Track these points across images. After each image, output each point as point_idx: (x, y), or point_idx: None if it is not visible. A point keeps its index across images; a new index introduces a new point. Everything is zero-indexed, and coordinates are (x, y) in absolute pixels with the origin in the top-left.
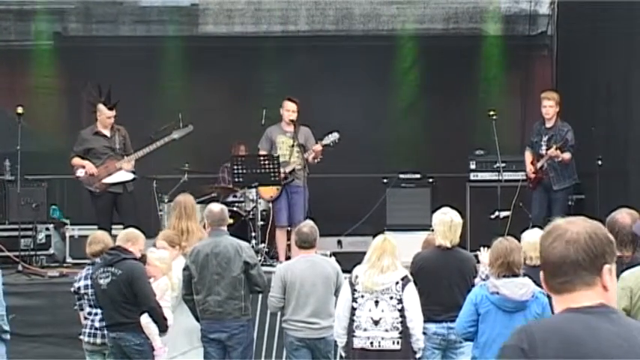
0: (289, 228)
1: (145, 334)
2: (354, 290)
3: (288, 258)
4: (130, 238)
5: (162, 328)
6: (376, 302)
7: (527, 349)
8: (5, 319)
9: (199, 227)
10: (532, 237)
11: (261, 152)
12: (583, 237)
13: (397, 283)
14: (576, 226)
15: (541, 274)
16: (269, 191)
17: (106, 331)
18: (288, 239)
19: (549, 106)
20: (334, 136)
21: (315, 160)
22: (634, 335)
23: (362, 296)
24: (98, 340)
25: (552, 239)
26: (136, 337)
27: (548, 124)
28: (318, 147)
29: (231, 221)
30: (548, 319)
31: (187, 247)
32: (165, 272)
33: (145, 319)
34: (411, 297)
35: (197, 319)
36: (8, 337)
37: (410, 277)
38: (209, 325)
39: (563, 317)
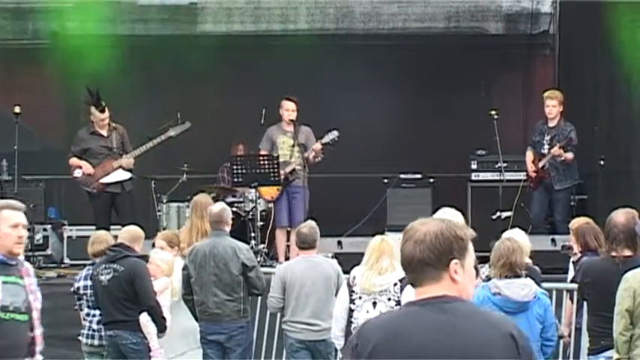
0: (289, 228)
1: (143, 333)
2: (351, 292)
3: (288, 259)
4: (134, 236)
5: (161, 328)
6: (374, 303)
7: (356, 342)
8: None
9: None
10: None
11: (262, 152)
12: (429, 237)
13: (395, 284)
14: (426, 227)
15: None
16: (270, 191)
17: (103, 331)
18: (288, 240)
19: (552, 106)
20: (333, 135)
21: (316, 160)
22: (462, 321)
23: (360, 297)
24: (96, 342)
25: (405, 240)
26: (133, 336)
27: (551, 124)
28: (318, 146)
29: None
30: (384, 315)
31: None
32: (166, 274)
33: (144, 318)
34: (410, 298)
35: (196, 319)
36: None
37: None
38: (208, 327)
39: (397, 311)
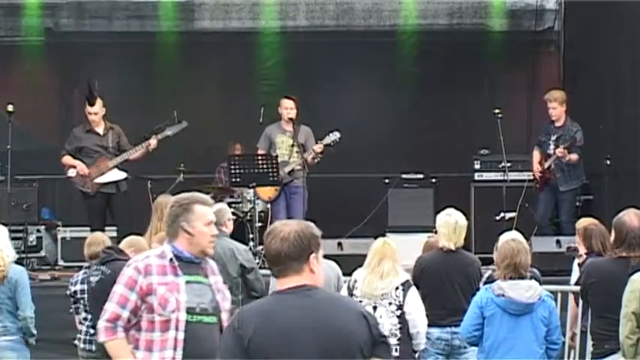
0: None
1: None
2: (351, 295)
3: None
4: (133, 244)
5: None
6: (374, 308)
7: (237, 326)
8: (34, 322)
9: None
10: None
11: (260, 152)
12: (293, 235)
13: (397, 288)
14: (288, 227)
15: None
16: (268, 192)
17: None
18: None
19: (553, 108)
20: (335, 136)
21: (315, 160)
22: (324, 306)
23: (360, 301)
24: (93, 347)
25: (271, 238)
26: None
27: (558, 124)
28: (319, 147)
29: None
30: (258, 301)
31: None
32: None
33: None
34: (415, 302)
35: None
36: (34, 341)
37: (411, 281)
38: None
39: (268, 298)
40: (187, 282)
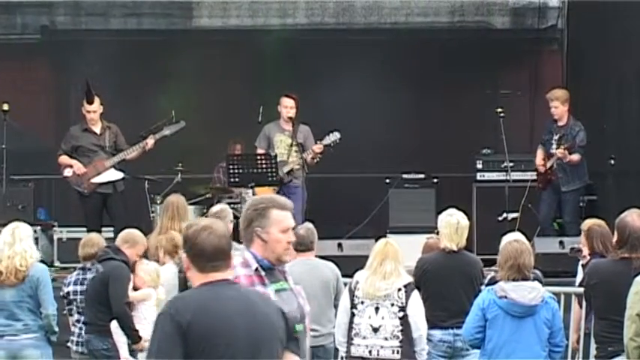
0: None
1: (114, 339)
2: (353, 296)
3: None
4: (127, 239)
5: (132, 339)
6: (376, 309)
7: (174, 313)
8: (56, 319)
9: None
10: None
11: (258, 150)
12: (225, 232)
13: (400, 289)
14: (218, 224)
15: (184, 256)
16: (265, 192)
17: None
18: None
19: (555, 107)
20: (335, 136)
21: (314, 161)
22: (250, 297)
23: (362, 302)
24: (86, 350)
25: (208, 233)
26: (103, 342)
27: (560, 123)
28: (318, 147)
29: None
30: (190, 291)
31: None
32: (150, 285)
33: (114, 325)
34: (416, 306)
35: None
36: (55, 338)
37: (414, 284)
38: None
39: (200, 289)
40: (276, 290)
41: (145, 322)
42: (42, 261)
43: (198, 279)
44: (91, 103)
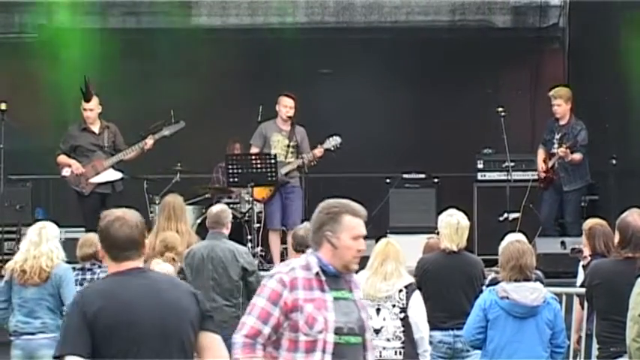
0: (285, 230)
1: None
2: None
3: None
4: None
5: None
6: (377, 310)
7: (81, 303)
8: None
9: (189, 229)
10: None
11: (254, 149)
12: (138, 223)
13: (401, 290)
14: (130, 214)
15: (99, 245)
16: (261, 192)
17: None
18: (283, 242)
19: (557, 105)
20: (336, 140)
21: (312, 164)
22: (159, 282)
23: None
24: None
25: (120, 224)
26: None
27: (562, 122)
28: (319, 152)
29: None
30: (98, 282)
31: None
32: None
33: None
34: (418, 307)
35: None
36: None
37: (415, 285)
38: None
39: (108, 279)
40: (335, 298)
41: None
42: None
43: (111, 268)
44: (88, 101)
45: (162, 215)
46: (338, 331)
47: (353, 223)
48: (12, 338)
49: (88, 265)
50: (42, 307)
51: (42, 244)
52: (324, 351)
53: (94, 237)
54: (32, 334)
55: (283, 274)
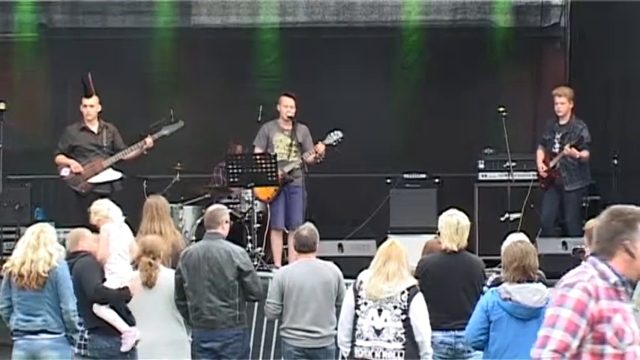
0: (287, 230)
1: (118, 337)
2: (357, 297)
3: (286, 262)
4: (72, 239)
5: (123, 297)
6: (379, 311)
7: None
8: (77, 316)
9: (173, 230)
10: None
11: (257, 150)
12: None
13: (403, 292)
14: None
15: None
16: (266, 192)
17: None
18: (285, 243)
19: (561, 103)
20: (337, 135)
21: (317, 161)
22: None
23: (365, 303)
24: (89, 353)
25: None
26: (107, 341)
27: (562, 121)
28: (321, 147)
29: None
30: None
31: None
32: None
33: (97, 308)
34: (420, 309)
35: (190, 325)
36: (77, 337)
37: (418, 287)
38: (202, 334)
39: None
40: (634, 310)
41: (118, 267)
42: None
43: None
44: (89, 96)
45: (145, 217)
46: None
47: None
48: (14, 338)
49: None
50: (42, 304)
51: (40, 248)
52: None
53: (79, 232)
54: (34, 332)
55: (585, 282)
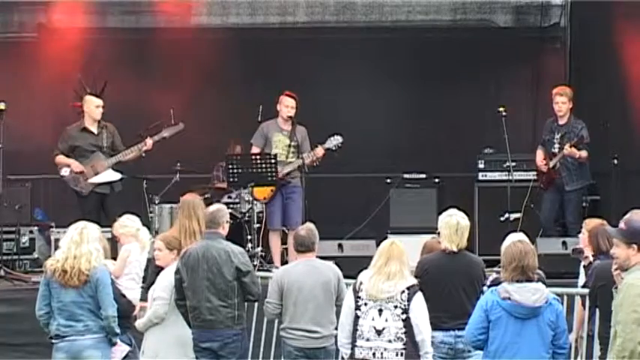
0: (286, 230)
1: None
2: (357, 297)
3: (285, 263)
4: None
5: (128, 312)
6: (380, 311)
7: None
8: (116, 320)
9: (202, 230)
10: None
11: (254, 148)
12: None
13: (403, 292)
14: None
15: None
16: (263, 192)
17: None
18: (284, 243)
19: (562, 103)
20: (337, 140)
21: (314, 164)
22: None
23: (365, 304)
24: None
25: None
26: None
27: (562, 121)
28: (320, 151)
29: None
30: None
31: None
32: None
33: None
34: (420, 309)
35: (189, 325)
36: (118, 340)
37: (418, 286)
38: (200, 334)
39: None
40: None
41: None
42: (13, 264)
43: None
44: (99, 97)
45: (181, 215)
46: None
47: None
48: (54, 341)
49: None
50: (84, 310)
51: (83, 244)
52: None
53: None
54: (76, 336)
55: None
